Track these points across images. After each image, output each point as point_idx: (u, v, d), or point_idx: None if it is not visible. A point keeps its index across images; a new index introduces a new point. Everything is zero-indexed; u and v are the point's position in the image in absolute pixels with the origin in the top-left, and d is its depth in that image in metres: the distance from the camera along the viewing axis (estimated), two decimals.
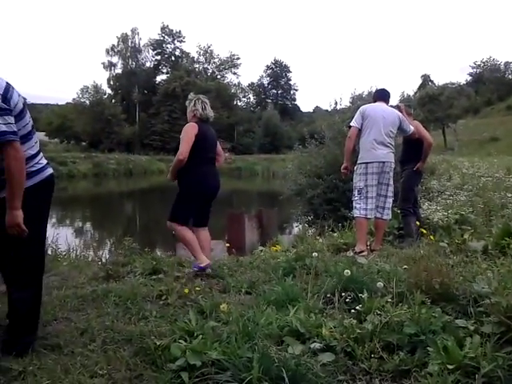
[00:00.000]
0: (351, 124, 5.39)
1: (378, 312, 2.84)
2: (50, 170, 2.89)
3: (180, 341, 2.55)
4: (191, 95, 4.73)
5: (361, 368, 2.41)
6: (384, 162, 5.24)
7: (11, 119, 2.53)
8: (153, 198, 29.67)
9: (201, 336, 2.58)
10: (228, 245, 6.04)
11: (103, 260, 4.84)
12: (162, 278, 4.12)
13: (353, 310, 2.98)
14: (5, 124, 2.48)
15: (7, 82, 2.61)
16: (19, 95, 2.68)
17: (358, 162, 5.32)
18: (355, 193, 5.30)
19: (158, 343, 2.60)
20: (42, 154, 2.88)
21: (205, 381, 2.23)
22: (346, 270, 3.30)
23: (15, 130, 2.54)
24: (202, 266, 4.31)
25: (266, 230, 9.70)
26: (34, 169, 2.75)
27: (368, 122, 5.27)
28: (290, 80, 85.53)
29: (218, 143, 4.76)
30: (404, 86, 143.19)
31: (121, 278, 4.24)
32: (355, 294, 3.22)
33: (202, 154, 4.46)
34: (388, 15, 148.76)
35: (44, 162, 2.86)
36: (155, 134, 64.15)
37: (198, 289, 3.66)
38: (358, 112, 5.41)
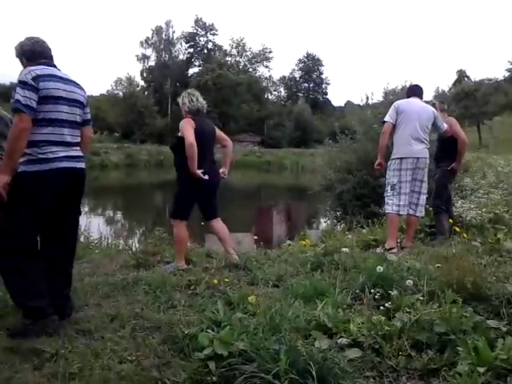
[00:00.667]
0: (385, 119, 5.28)
1: (408, 310, 2.81)
2: (61, 165, 2.93)
3: (208, 330, 2.57)
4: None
5: (388, 365, 2.39)
6: (419, 158, 5.16)
7: (32, 95, 2.82)
8: None
9: (228, 327, 2.60)
10: (256, 237, 6.05)
11: (133, 249, 4.91)
12: (190, 268, 4.17)
13: (381, 307, 2.95)
14: (22, 96, 2.80)
15: (60, 77, 3.02)
16: (72, 91, 3.06)
17: (392, 157, 5.23)
18: (388, 188, 5.21)
19: (186, 332, 2.63)
20: (59, 149, 2.95)
21: (231, 371, 2.24)
22: (378, 267, 3.26)
23: (30, 104, 2.81)
24: (178, 266, 4.29)
25: (293, 223, 9.66)
26: (35, 156, 2.87)
27: (403, 117, 5.18)
28: (322, 74, 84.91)
29: (216, 131, 4.71)
30: (438, 81, 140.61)
31: (151, 267, 4.31)
32: (384, 291, 3.19)
33: (199, 150, 4.25)
34: (424, 8, 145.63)
35: (53, 156, 2.91)
36: None
37: (226, 280, 3.70)
38: (392, 107, 5.31)
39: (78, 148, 3.13)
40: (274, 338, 2.40)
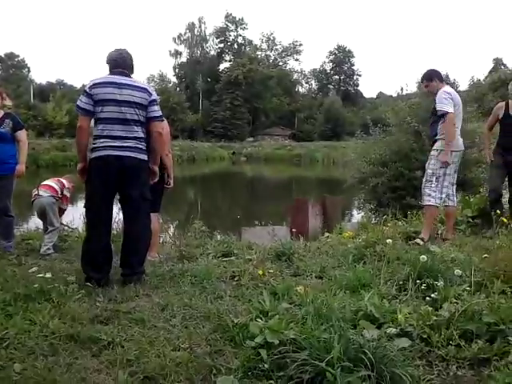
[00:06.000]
0: (448, 110, 4.96)
1: (455, 300, 2.81)
2: (103, 153, 3.67)
3: (257, 320, 2.64)
4: None
5: (437, 354, 2.41)
6: (462, 151, 5.11)
7: (86, 100, 3.67)
8: (214, 183, 30.26)
9: (277, 316, 2.66)
10: (294, 230, 6.09)
11: (177, 242, 5.03)
12: (233, 260, 4.25)
13: (428, 298, 2.96)
14: (80, 100, 3.71)
15: (113, 82, 3.70)
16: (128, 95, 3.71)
17: (441, 148, 5.06)
18: (433, 179, 5.08)
19: (235, 321, 2.71)
20: (106, 140, 3.67)
21: (282, 359, 2.29)
22: (422, 256, 3.26)
23: (84, 107, 3.68)
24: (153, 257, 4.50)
25: (329, 216, 9.67)
26: (93, 146, 3.73)
27: (457, 109, 5.08)
28: (353, 65, 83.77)
29: None
30: (473, 70, 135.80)
31: (194, 259, 4.42)
32: (429, 281, 3.19)
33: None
34: None
35: (102, 145, 3.67)
36: (217, 121, 65.06)
37: (271, 271, 3.76)
38: (447, 96, 5.03)
39: (134, 141, 3.73)
40: (323, 327, 2.45)
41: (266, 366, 2.28)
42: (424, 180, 5.23)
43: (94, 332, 2.70)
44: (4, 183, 4.89)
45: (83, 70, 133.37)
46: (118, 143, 3.66)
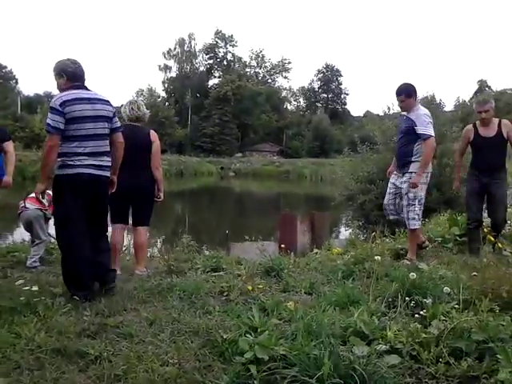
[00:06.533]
0: (432, 134, 4.97)
1: (443, 318, 2.82)
2: (81, 171, 3.60)
3: (246, 335, 2.62)
4: None
5: (427, 372, 2.41)
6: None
7: (58, 119, 3.52)
8: (202, 198, 30.18)
9: (266, 332, 2.65)
10: (283, 246, 6.09)
11: (165, 256, 5.00)
12: (222, 275, 4.23)
13: (416, 315, 2.97)
14: (52, 120, 3.52)
15: (85, 98, 3.65)
16: (94, 109, 3.68)
17: (415, 171, 5.01)
18: (415, 203, 5.01)
19: (224, 336, 2.69)
20: (85, 158, 3.61)
21: (272, 375, 2.28)
22: (411, 273, 3.28)
23: (57, 126, 3.51)
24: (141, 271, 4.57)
25: (317, 233, 9.70)
26: (66, 163, 3.58)
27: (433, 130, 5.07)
28: (341, 84, 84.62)
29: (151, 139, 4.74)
30: (459, 91, 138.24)
31: (183, 274, 4.39)
32: (418, 299, 3.21)
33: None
34: (444, 19, 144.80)
35: (78, 163, 3.59)
36: (206, 136, 65.19)
37: (260, 287, 3.74)
38: (428, 119, 5.01)
39: (106, 157, 3.76)
40: (313, 343, 2.44)
41: (255, 382, 2.26)
42: (406, 204, 5.06)
43: (81, 346, 2.67)
44: None
45: None
46: (93, 161, 3.65)
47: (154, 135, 4.70)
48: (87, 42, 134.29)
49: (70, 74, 3.72)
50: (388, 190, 5.41)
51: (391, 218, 5.45)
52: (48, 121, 3.53)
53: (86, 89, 3.77)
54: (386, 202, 5.40)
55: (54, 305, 3.22)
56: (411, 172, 5.03)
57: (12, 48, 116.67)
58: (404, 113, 5.29)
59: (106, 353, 2.60)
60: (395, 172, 5.34)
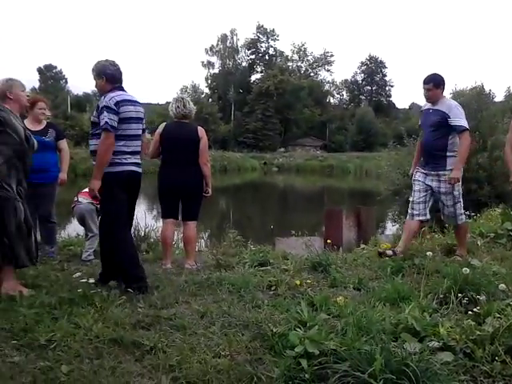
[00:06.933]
0: (467, 127, 4.72)
1: (498, 315, 2.75)
2: (127, 168, 3.83)
3: (296, 330, 2.64)
4: None
5: (482, 370, 2.37)
6: None
7: (115, 118, 3.69)
8: (246, 193, 30.36)
9: (316, 326, 2.66)
10: (329, 241, 6.06)
11: (213, 250, 5.09)
12: (269, 270, 4.28)
13: (470, 312, 2.91)
14: (109, 118, 3.67)
15: (130, 100, 3.86)
16: (140, 112, 3.96)
17: (459, 166, 4.78)
18: (461, 199, 4.87)
19: (274, 330, 2.72)
20: (129, 157, 3.84)
21: (323, 369, 2.30)
22: (464, 268, 3.21)
23: (113, 124, 3.67)
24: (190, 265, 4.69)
25: (363, 228, 9.57)
26: (114, 161, 3.76)
27: None
28: (386, 76, 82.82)
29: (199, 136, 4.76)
30: (510, 81, 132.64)
31: (231, 268, 4.46)
32: (471, 295, 3.14)
33: (162, 152, 4.79)
34: (491, 8, 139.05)
35: (126, 161, 3.82)
36: (249, 131, 65.45)
37: (307, 282, 3.76)
38: (462, 111, 4.80)
39: (139, 156, 4.01)
40: (363, 338, 2.44)
41: (306, 375, 2.28)
42: (452, 203, 4.86)
43: (136, 337, 2.76)
44: (47, 191, 5.05)
45: None
46: (134, 160, 3.93)
47: (201, 131, 4.78)
48: (133, 41, 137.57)
49: (110, 76, 3.87)
50: (415, 188, 5.07)
51: (415, 219, 4.96)
52: (106, 119, 3.65)
53: (124, 90, 3.95)
54: (415, 199, 4.99)
55: (109, 297, 3.34)
56: (449, 169, 4.76)
57: (61, 48, 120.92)
58: (428, 106, 4.99)
59: (160, 344, 2.68)
60: (421, 170, 5.05)
